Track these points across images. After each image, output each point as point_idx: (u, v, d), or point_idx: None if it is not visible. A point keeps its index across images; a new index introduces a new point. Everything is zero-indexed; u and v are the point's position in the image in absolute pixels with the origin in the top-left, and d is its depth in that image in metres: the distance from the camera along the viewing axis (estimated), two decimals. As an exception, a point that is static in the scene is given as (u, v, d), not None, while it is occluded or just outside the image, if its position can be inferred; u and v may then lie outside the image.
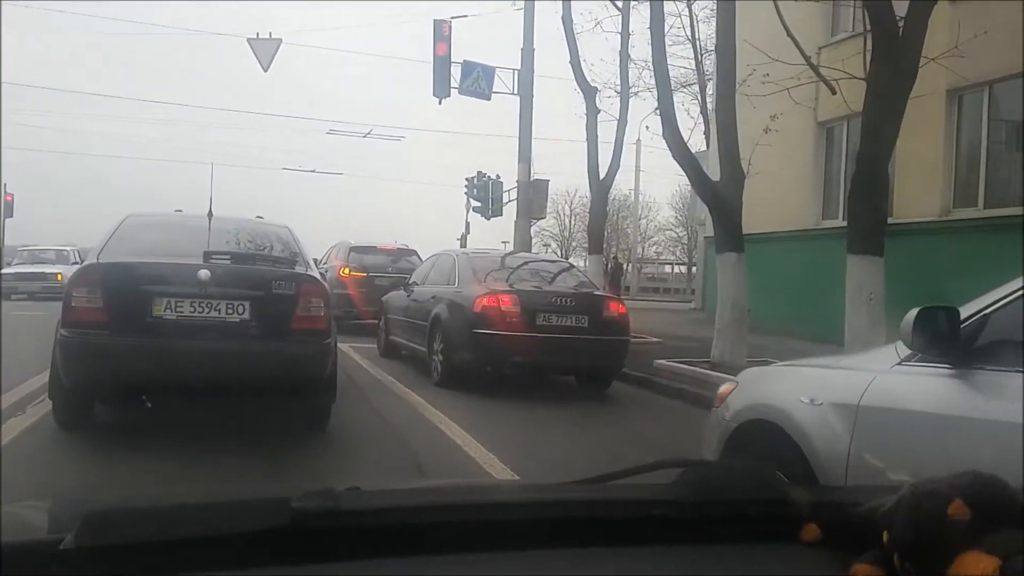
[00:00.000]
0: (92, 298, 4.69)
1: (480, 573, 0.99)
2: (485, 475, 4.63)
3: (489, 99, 15.73)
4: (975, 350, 2.33)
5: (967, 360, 2.31)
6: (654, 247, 56.24)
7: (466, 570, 1.00)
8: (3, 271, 18.88)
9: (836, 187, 13.05)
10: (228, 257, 5.06)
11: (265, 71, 16.44)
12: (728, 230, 8.89)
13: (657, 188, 72.40)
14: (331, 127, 27.59)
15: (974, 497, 0.96)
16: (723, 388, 3.41)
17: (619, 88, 14.91)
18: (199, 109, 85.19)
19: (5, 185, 34.31)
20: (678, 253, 57.46)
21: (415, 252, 14.11)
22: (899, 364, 2.56)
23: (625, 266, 38.23)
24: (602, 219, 14.82)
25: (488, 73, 15.65)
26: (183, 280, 4.74)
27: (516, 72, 15.70)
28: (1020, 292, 2.30)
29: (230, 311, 4.85)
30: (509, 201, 17.49)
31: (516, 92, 15.53)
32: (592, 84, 14.78)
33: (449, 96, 15.42)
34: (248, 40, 15.24)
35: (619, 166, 14.22)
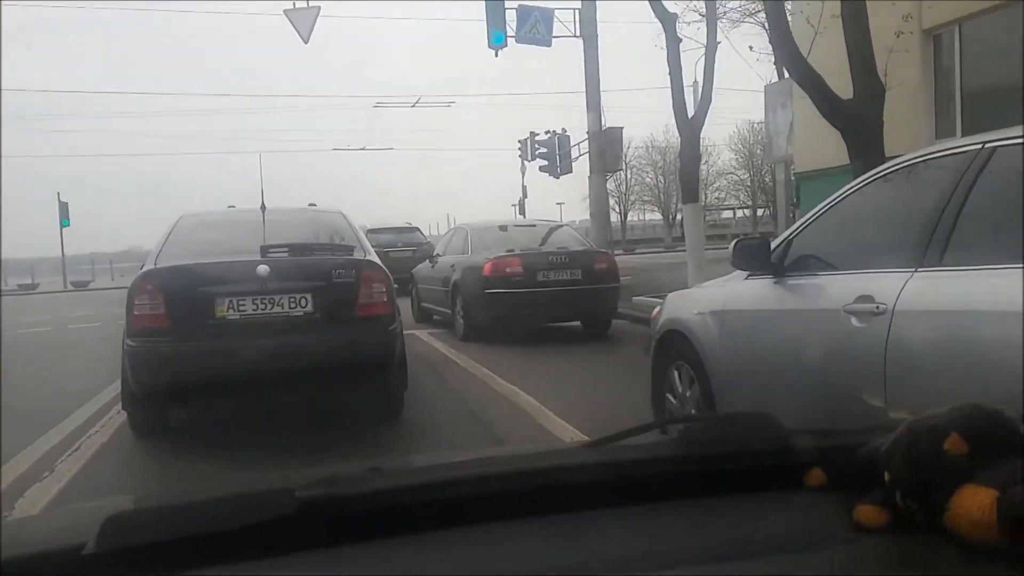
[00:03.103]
0: (154, 305, 4.77)
1: (486, 543, 1.03)
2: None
3: (550, 45, 14.77)
4: (787, 265, 3.45)
5: (780, 271, 3.46)
6: (716, 192, 53.99)
7: (472, 542, 1.03)
8: None
9: (949, 107, 11.26)
10: (286, 250, 5.11)
11: (306, 43, 15.77)
12: (870, 158, 7.48)
13: (713, 131, 70.14)
14: (378, 100, 26.63)
15: (971, 431, 0.96)
16: (654, 311, 4.60)
17: (703, 10, 13.14)
18: (240, 97, 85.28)
19: (59, 193, 34.18)
20: (741, 197, 55.06)
21: (417, 228, 16.47)
22: (745, 279, 3.70)
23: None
24: (695, 163, 13.30)
25: (546, 17, 14.51)
26: (243, 278, 4.83)
27: (576, 12, 14.16)
28: (809, 221, 3.51)
29: (292, 305, 4.91)
30: (579, 156, 16.21)
31: (578, 34, 14.06)
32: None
33: (506, 46, 14.06)
34: (285, 12, 14.20)
35: (711, 100, 12.66)
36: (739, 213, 60.01)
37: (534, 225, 11.49)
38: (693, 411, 3.92)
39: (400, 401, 5.46)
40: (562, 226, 11.40)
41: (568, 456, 1.38)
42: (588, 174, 14.66)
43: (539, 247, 9.82)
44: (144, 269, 5.05)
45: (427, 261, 11.43)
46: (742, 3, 17.47)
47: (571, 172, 17.64)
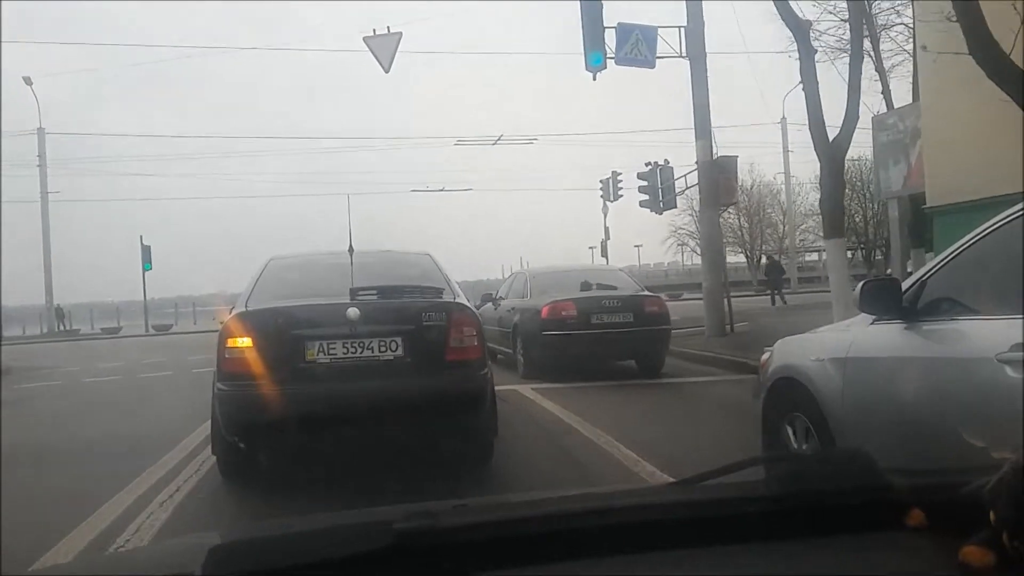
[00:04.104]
0: (245, 348, 4.82)
1: None
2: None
3: (653, 66, 13.57)
4: (920, 308, 3.20)
5: (913, 316, 3.20)
6: (801, 235, 51.34)
7: None
8: None
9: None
10: (375, 292, 5.11)
11: (386, 71, 14.95)
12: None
13: (796, 168, 67.15)
14: (458, 139, 25.78)
15: None
16: (763, 357, 4.36)
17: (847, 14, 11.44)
18: (314, 140, 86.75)
19: (142, 237, 34.49)
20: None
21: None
22: (872, 324, 3.47)
23: (781, 261, 34.36)
24: (839, 191, 11.52)
25: (649, 35, 13.47)
26: (333, 321, 4.86)
27: (682, 30, 12.73)
28: (946, 260, 3.20)
29: (383, 348, 4.89)
30: (685, 189, 14.59)
31: (683, 54, 12.62)
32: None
33: (605, 68, 12.79)
34: (365, 39, 13.38)
35: (857, 118, 10.93)
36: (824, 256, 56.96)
37: (590, 269, 12.77)
38: None
39: (491, 447, 5.43)
40: (616, 270, 12.60)
41: (659, 494, 1.41)
42: (697, 208, 12.99)
43: (593, 291, 10.74)
44: (235, 312, 5.09)
45: (490, 304, 12.30)
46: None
47: (675, 207, 16.07)
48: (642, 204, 15.98)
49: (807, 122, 11.14)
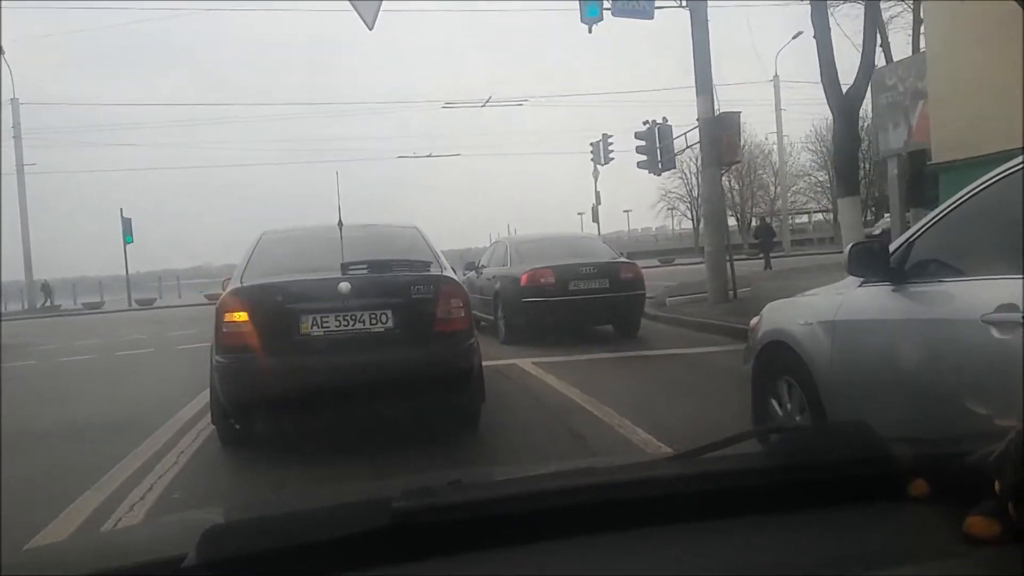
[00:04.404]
0: (242, 322, 5.05)
1: (580, 555, 1.04)
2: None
3: (651, 17, 12.97)
4: (907, 270, 3.22)
5: (900, 278, 3.22)
6: (793, 196, 51.14)
7: (565, 555, 1.04)
8: None
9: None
10: (365, 267, 5.30)
11: (370, 29, 13.96)
12: None
13: (787, 127, 65.90)
14: (445, 102, 25.23)
15: None
16: (752, 321, 4.43)
17: None
18: (301, 105, 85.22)
19: (122, 210, 33.62)
20: (823, 201, 52.28)
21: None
22: (859, 287, 3.49)
23: (772, 224, 33.88)
24: (855, 146, 10.95)
25: None
26: (326, 295, 5.09)
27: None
28: (933, 221, 3.20)
29: (373, 321, 5.13)
30: (685, 149, 13.94)
31: (684, 3, 11.90)
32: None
33: (601, 19, 12.08)
34: (348, -2, 12.60)
35: (873, 67, 10.27)
36: (815, 217, 57.07)
37: (568, 237, 13.08)
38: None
39: (477, 414, 5.67)
40: (594, 238, 13.37)
41: (658, 468, 1.36)
42: (699, 168, 12.40)
43: (571, 259, 11.03)
44: (231, 287, 5.34)
45: (473, 272, 12.70)
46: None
47: (674, 168, 15.44)
48: (639, 165, 15.35)
49: (818, 73, 10.57)
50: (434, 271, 5.54)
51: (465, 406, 5.54)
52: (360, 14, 14.02)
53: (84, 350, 14.31)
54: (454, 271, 5.97)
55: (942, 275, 3.07)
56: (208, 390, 5.66)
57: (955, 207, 3.13)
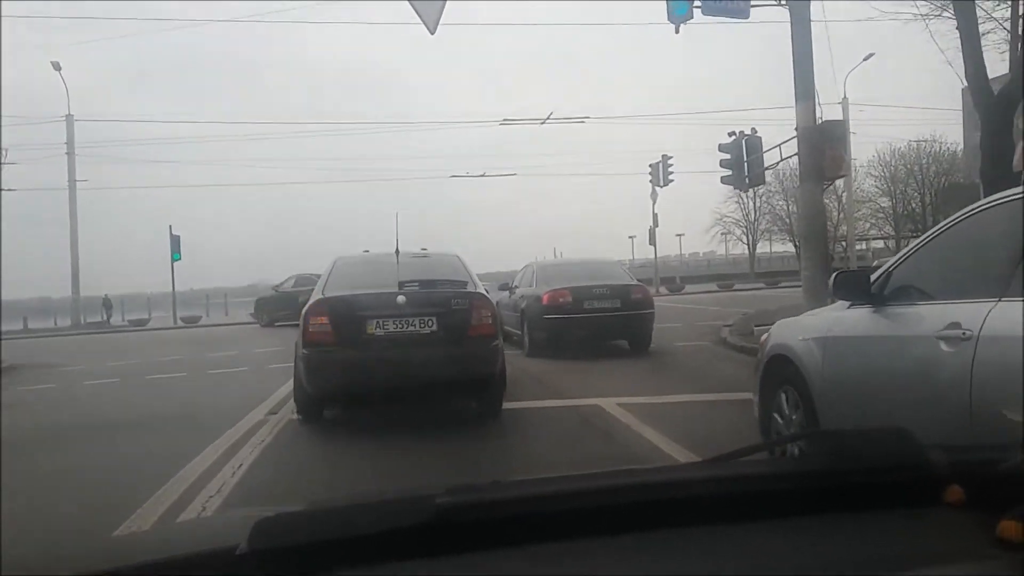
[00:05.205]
0: (323, 324, 6.59)
1: (620, 554, 1.06)
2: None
3: (747, 16, 12.03)
4: (887, 294, 3.76)
5: (880, 301, 3.78)
6: (857, 223, 48.85)
7: (608, 552, 1.06)
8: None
9: None
10: (417, 284, 6.78)
11: (432, 33, 13.14)
12: None
13: (853, 152, 63.48)
14: (504, 118, 24.27)
15: None
16: (763, 336, 5.07)
17: None
18: (352, 124, 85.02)
19: (171, 227, 33.08)
20: (886, 229, 50.19)
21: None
22: (848, 308, 4.05)
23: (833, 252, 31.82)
24: (1007, 158, 9.23)
25: None
26: (386, 305, 6.59)
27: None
28: (910, 253, 3.80)
29: (422, 325, 6.62)
30: (779, 162, 12.44)
31: (783, 2, 10.49)
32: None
33: (691, 18, 10.90)
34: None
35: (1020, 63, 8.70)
36: (876, 244, 55.01)
37: (589, 262, 14.18)
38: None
39: (500, 403, 7.14)
40: (613, 263, 14.36)
41: (695, 471, 1.37)
42: (798, 182, 10.84)
43: (587, 281, 12.42)
44: (315, 299, 6.96)
45: (507, 292, 14.22)
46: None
47: (764, 183, 13.86)
48: (724, 180, 13.96)
49: (964, 73, 8.99)
50: (469, 288, 7.07)
51: (491, 394, 6.99)
52: (421, 16, 12.90)
53: (110, 372, 13.29)
54: (486, 290, 7.34)
55: (914, 298, 3.61)
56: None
57: (928, 240, 3.71)
